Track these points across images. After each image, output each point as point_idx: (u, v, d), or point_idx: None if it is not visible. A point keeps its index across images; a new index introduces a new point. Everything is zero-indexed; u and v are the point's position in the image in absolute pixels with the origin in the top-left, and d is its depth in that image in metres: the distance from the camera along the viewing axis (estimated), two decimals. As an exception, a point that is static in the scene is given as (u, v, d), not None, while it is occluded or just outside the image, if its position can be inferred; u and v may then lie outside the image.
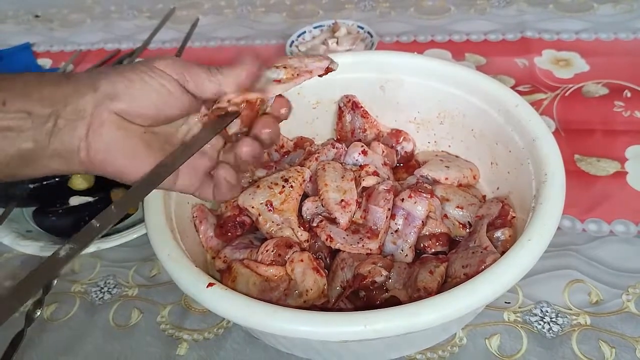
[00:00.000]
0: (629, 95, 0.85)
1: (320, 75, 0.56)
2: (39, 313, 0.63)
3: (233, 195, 0.55)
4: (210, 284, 0.47)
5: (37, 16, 1.40)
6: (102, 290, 0.68)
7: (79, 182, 0.71)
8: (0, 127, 0.39)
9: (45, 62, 1.21)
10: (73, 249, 0.39)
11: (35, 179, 0.71)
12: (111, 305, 0.67)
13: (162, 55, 0.46)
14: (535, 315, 0.59)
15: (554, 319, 0.58)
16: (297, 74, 0.56)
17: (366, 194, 0.63)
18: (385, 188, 0.61)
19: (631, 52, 0.95)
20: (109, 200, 0.72)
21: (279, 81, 0.55)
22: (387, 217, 0.59)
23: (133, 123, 0.45)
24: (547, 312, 0.59)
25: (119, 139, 0.44)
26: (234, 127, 0.51)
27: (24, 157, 0.41)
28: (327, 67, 0.57)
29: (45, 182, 0.72)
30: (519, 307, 0.60)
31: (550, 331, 0.57)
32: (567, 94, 0.87)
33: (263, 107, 0.53)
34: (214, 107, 0.50)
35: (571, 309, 0.59)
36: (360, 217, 0.61)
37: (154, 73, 0.45)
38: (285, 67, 0.56)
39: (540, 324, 0.58)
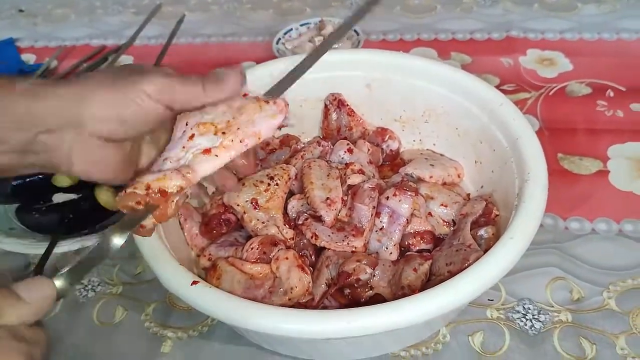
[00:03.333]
0: (611, 94, 0.86)
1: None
2: (21, 311, 0.63)
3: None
4: (194, 282, 0.47)
5: (21, 11, 1.38)
6: (86, 288, 0.68)
7: (62, 180, 0.71)
8: None
9: (29, 58, 1.19)
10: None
11: (17, 176, 0.71)
12: (95, 303, 0.66)
13: (152, 74, 0.44)
14: (518, 312, 0.59)
15: (536, 316, 0.59)
16: (241, 140, 0.46)
17: (351, 192, 0.63)
18: (371, 186, 0.62)
19: (614, 52, 0.96)
20: (93, 197, 0.71)
21: (208, 151, 0.46)
22: (372, 215, 0.60)
23: (113, 140, 0.45)
24: (529, 309, 0.60)
25: (99, 157, 0.45)
26: (148, 222, 0.46)
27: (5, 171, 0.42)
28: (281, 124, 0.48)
29: (28, 179, 0.71)
30: (502, 305, 0.60)
31: (533, 328, 0.58)
32: (551, 93, 0.88)
33: (182, 198, 0.46)
34: (121, 196, 0.44)
35: (553, 306, 0.60)
36: (346, 215, 0.62)
37: (145, 98, 0.44)
38: (224, 132, 0.46)
39: (522, 321, 0.59)
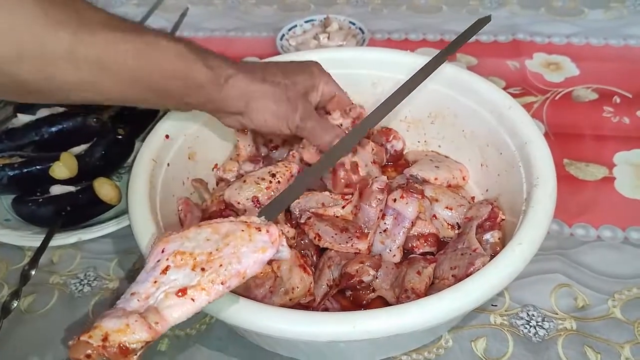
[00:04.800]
0: (618, 101, 0.86)
1: None
2: (15, 304, 0.62)
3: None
4: (195, 280, 0.46)
5: None
6: (82, 283, 0.66)
7: (61, 171, 0.69)
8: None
9: (28, 47, 1.17)
10: None
11: (14, 166, 0.70)
12: (91, 298, 0.65)
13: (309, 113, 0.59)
14: (522, 318, 0.59)
15: (540, 323, 0.58)
16: (222, 281, 0.40)
17: (359, 190, 0.62)
18: (379, 187, 0.60)
19: (621, 58, 0.95)
20: (92, 190, 0.70)
21: (183, 292, 0.40)
22: (378, 217, 0.59)
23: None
24: (533, 315, 0.59)
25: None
26: None
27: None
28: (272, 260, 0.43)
29: (25, 170, 0.70)
30: (506, 310, 0.60)
31: (536, 335, 0.57)
32: (557, 98, 0.87)
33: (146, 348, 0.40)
34: (72, 343, 0.38)
35: (557, 314, 0.59)
36: (351, 212, 0.61)
37: (284, 127, 0.59)
38: (203, 268, 0.40)
39: (526, 328, 0.58)
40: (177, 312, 0.39)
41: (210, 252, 0.41)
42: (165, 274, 0.40)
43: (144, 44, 0.47)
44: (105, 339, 0.37)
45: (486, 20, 0.61)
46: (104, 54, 0.45)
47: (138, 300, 0.40)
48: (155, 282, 0.40)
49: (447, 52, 0.62)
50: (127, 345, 0.37)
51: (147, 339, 0.38)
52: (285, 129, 0.58)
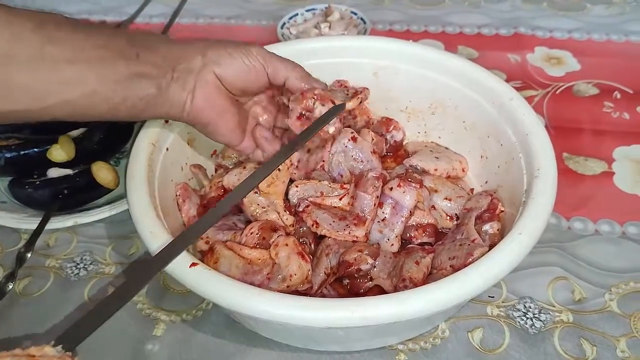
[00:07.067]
0: (618, 96, 0.86)
1: None
2: (11, 286, 0.61)
3: (272, 150, 0.58)
4: (193, 264, 0.46)
5: (19, -18, 1.35)
6: (78, 267, 0.66)
7: (58, 154, 0.69)
8: (136, 72, 0.48)
9: (26, 30, 1.16)
10: None
11: (11, 148, 0.69)
12: (87, 282, 0.64)
13: (254, 44, 0.55)
14: (519, 310, 0.59)
15: (536, 315, 0.58)
16: None
17: (355, 180, 0.62)
18: (375, 175, 0.60)
19: (622, 54, 0.95)
20: (90, 174, 0.69)
21: None
22: (374, 205, 0.58)
23: (225, 88, 0.54)
24: (530, 307, 0.59)
25: (216, 97, 0.53)
26: None
27: (147, 101, 0.49)
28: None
29: (23, 152, 0.70)
30: (503, 302, 0.60)
31: (533, 327, 0.57)
32: (557, 92, 0.87)
33: None
34: None
35: (554, 306, 0.59)
36: (348, 203, 0.60)
37: (250, 55, 0.54)
38: None
39: (523, 320, 0.58)
40: None
41: None
42: None
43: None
44: None
45: (342, 107, 0.60)
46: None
47: None
48: None
49: (302, 138, 0.57)
50: None
51: None
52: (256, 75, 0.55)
